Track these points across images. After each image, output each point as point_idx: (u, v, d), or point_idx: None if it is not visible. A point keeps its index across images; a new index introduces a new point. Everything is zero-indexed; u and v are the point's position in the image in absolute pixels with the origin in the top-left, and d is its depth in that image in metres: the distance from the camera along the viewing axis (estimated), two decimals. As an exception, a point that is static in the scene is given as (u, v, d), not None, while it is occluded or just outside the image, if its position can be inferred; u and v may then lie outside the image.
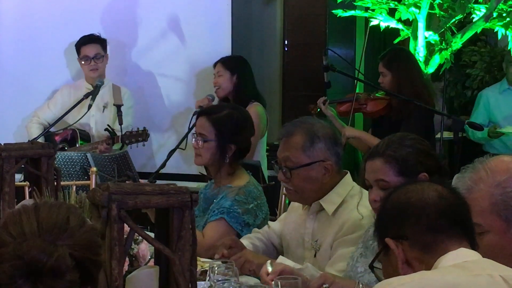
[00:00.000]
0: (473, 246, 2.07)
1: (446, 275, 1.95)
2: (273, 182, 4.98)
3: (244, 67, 5.74)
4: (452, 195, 2.11)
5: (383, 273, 2.15)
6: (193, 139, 3.92)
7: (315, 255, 3.34)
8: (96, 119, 5.91)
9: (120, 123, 5.63)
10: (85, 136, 5.86)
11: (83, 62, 5.94)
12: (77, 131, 5.82)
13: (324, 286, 2.82)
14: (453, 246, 2.03)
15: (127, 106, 5.89)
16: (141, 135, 5.46)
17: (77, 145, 5.77)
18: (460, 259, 2.00)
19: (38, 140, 5.61)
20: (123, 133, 5.51)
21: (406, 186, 2.16)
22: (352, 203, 3.32)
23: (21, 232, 1.67)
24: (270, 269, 3.03)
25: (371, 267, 2.21)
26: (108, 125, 5.57)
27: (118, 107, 5.72)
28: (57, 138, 5.85)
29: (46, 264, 1.62)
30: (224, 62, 5.71)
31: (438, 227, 2.05)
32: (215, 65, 5.77)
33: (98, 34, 5.99)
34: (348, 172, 3.44)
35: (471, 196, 2.45)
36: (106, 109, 5.91)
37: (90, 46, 5.92)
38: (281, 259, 3.25)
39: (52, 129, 5.84)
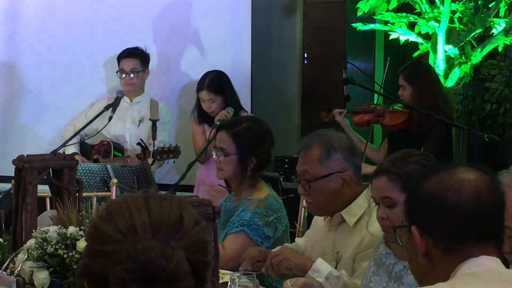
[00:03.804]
0: (499, 248, 2.00)
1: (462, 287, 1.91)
2: (292, 195, 4.99)
3: (226, 81, 5.65)
4: (489, 193, 1.99)
5: (404, 244, 2.09)
6: (214, 153, 3.93)
7: (336, 267, 3.35)
8: (131, 133, 5.85)
9: (154, 138, 5.56)
10: (119, 149, 5.80)
11: (121, 76, 5.87)
12: (111, 144, 5.78)
13: None
14: (477, 251, 1.96)
15: (163, 121, 5.82)
16: (172, 152, 5.38)
17: (112, 157, 5.74)
18: (479, 268, 1.94)
19: (72, 148, 5.65)
20: (155, 148, 5.44)
21: (444, 176, 2.01)
22: (373, 216, 3.32)
23: (131, 228, 1.50)
24: (290, 285, 3.05)
25: (395, 229, 2.16)
26: (141, 139, 5.52)
27: (154, 122, 5.66)
28: (93, 151, 5.83)
29: (165, 270, 1.46)
30: (210, 87, 5.53)
31: (468, 234, 1.97)
32: (200, 91, 5.56)
33: (141, 48, 5.91)
34: (370, 185, 3.45)
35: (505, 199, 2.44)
36: (141, 123, 5.84)
37: (128, 60, 5.84)
38: (319, 261, 3.26)
39: (88, 141, 5.85)
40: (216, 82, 5.55)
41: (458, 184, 1.98)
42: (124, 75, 5.86)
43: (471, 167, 2.04)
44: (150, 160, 5.43)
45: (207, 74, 5.64)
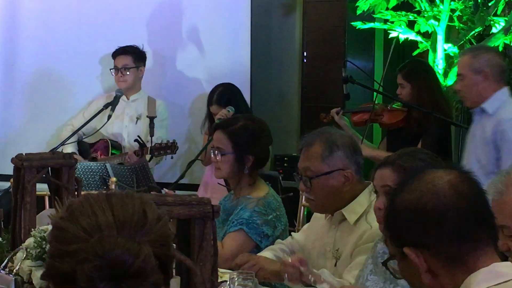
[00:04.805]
0: (495, 244, 1.91)
1: None
2: (291, 194, 4.99)
3: (234, 93, 5.67)
4: (466, 186, 1.92)
5: (401, 273, 1.99)
6: (212, 153, 3.93)
7: (335, 264, 3.35)
8: (128, 130, 5.88)
9: (151, 135, 5.57)
10: (117, 147, 5.83)
11: (114, 73, 5.93)
12: (109, 142, 5.81)
13: None
14: (482, 257, 1.86)
15: (160, 118, 5.83)
16: (170, 148, 5.40)
17: (109, 155, 5.75)
18: (493, 280, 1.83)
19: (69, 147, 5.66)
20: (152, 145, 5.46)
21: (414, 184, 1.93)
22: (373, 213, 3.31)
23: (96, 226, 1.50)
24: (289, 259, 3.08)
25: (385, 264, 2.06)
26: (138, 136, 5.53)
27: (151, 119, 5.66)
28: (92, 150, 5.87)
29: (133, 266, 1.47)
30: (220, 102, 5.58)
31: (463, 233, 1.87)
32: (210, 105, 5.63)
33: (135, 46, 5.96)
34: (372, 183, 3.44)
35: (503, 199, 2.44)
36: (139, 120, 5.88)
37: (121, 57, 5.90)
38: None
39: (85, 140, 5.86)
40: (225, 96, 5.58)
41: (432, 187, 1.91)
42: (116, 72, 5.90)
43: (435, 167, 2.01)
44: (147, 157, 5.44)
45: (216, 88, 5.69)
